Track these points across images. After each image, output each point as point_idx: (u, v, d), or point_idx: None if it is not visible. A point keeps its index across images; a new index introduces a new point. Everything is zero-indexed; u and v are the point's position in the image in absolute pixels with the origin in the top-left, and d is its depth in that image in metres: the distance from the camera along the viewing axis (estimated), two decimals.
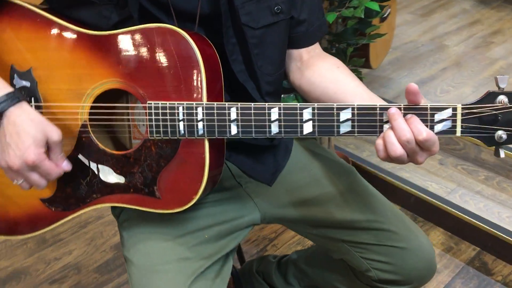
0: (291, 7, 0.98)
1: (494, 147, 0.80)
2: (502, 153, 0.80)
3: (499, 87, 0.78)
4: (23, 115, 0.82)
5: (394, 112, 0.77)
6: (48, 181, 0.86)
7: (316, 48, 1.05)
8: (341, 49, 1.73)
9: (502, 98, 0.77)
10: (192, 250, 0.93)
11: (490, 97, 0.77)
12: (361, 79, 1.74)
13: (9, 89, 0.84)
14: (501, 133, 0.77)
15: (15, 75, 0.92)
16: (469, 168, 2.11)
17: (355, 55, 2.15)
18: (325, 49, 1.70)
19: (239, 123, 0.85)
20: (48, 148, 0.85)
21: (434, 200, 1.96)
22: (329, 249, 1.11)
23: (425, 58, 2.72)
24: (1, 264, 1.88)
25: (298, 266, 1.24)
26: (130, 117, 0.97)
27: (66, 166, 0.87)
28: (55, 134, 0.84)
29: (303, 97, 1.04)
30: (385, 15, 2.15)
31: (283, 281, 1.27)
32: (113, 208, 1.05)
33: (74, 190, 0.94)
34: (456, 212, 1.90)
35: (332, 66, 1.00)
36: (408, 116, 0.77)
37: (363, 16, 1.47)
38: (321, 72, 1.00)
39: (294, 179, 1.06)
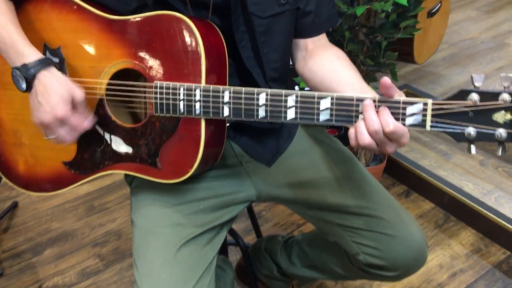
0: None
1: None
2: (473, 150, 0.82)
3: (474, 86, 0.80)
4: (52, 78, 0.95)
5: (367, 104, 0.81)
6: (74, 136, 0.97)
7: (321, 38, 1.10)
8: (376, 42, 1.75)
9: (474, 96, 0.79)
10: (187, 218, 1.03)
11: (461, 94, 0.79)
12: (395, 73, 1.75)
13: (41, 55, 0.97)
14: (470, 130, 0.79)
15: (47, 52, 1.05)
16: (510, 170, 2.05)
17: (398, 49, 2.14)
18: (360, 42, 1.73)
19: (231, 106, 0.92)
20: (73, 107, 0.97)
21: (467, 200, 1.93)
22: (324, 231, 1.17)
23: (482, 56, 2.64)
24: (53, 225, 2.08)
25: (301, 246, 1.30)
26: (146, 94, 1.07)
27: (89, 122, 0.98)
28: (79, 93, 0.96)
29: (306, 84, 1.10)
30: (433, 11, 2.12)
31: (287, 260, 1.34)
32: (125, 176, 1.16)
33: (90, 156, 1.06)
34: (489, 214, 1.87)
35: (332, 57, 1.05)
36: (380, 108, 0.81)
37: (389, 10, 1.48)
38: (321, 61, 1.05)
39: (293, 162, 1.12)
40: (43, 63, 0.95)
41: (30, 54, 0.96)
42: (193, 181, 1.07)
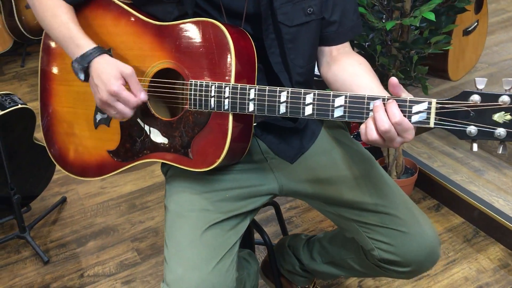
0: (322, 9, 1.14)
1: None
2: (475, 147, 0.88)
3: (476, 88, 0.87)
4: (102, 62, 1.08)
5: (378, 105, 0.90)
6: (131, 109, 1.07)
7: (346, 46, 1.19)
8: (408, 57, 1.81)
9: (475, 97, 0.86)
10: (214, 205, 1.13)
11: (464, 95, 0.86)
12: (425, 87, 1.81)
13: (94, 45, 1.10)
14: (471, 128, 0.86)
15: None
16: None
17: (432, 65, 2.20)
18: (393, 56, 1.80)
19: (256, 102, 1.03)
20: (125, 83, 1.07)
21: (497, 216, 1.94)
22: (342, 227, 1.24)
23: None
24: (97, 220, 2.23)
25: (322, 244, 1.38)
26: (183, 91, 1.19)
27: (143, 96, 1.07)
28: (126, 68, 1.07)
29: (329, 88, 1.19)
30: (469, 29, 2.16)
31: (309, 256, 1.41)
32: (162, 166, 1.28)
33: (131, 145, 1.18)
34: None
35: (354, 62, 1.14)
36: (389, 101, 0.89)
37: (417, 25, 1.55)
38: (344, 66, 1.14)
39: (314, 160, 1.21)
40: (96, 51, 1.09)
41: (85, 45, 1.10)
42: (221, 172, 1.17)
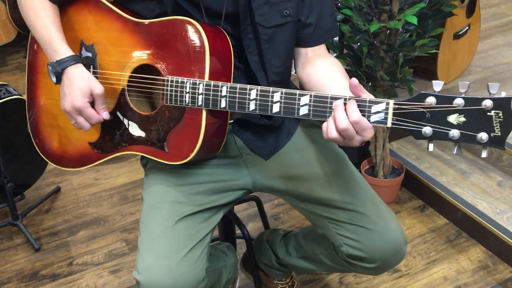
0: (298, 12, 1.17)
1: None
2: (431, 147, 0.92)
3: (433, 90, 0.90)
4: (76, 73, 1.13)
5: (338, 104, 0.93)
6: (91, 124, 1.15)
7: (321, 48, 1.23)
8: (395, 59, 1.84)
9: (431, 99, 0.89)
10: (187, 197, 1.17)
11: (420, 97, 0.90)
12: (411, 89, 1.84)
13: (71, 53, 1.15)
14: (427, 129, 0.89)
15: (83, 47, 1.24)
16: None
17: (422, 68, 2.22)
18: (380, 58, 1.83)
19: (227, 99, 1.06)
20: (93, 100, 1.14)
21: (479, 218, 1.97)
22: (314, 223, 1.28)
23: None
24: (89, 210, 2.29)
25: (297, 239, 1.41)
26: (160, 87, 1.23)
27: (105, 115, 1.15)
28: (98, 88, 1.13)
29: (304, 87, 1.22)
30: (459, 33, 2.18)
31: (285, 250, 1.45)
32: (141, 159, 1.32)
33: (111, 138, 1.23)
34: (499, 232, 1.90)
35: (327, 64, 1.17)
36: (349, 101, 0.93)
37: (399, 28, 1.58)
38: (317, 67, 1.17)
39: (288, 157, 1.24)
40: (71, 60, 1.13)
41: (62, 52, 1.14)
42: (197, 166, 1.22)
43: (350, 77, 1.89)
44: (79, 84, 1.12)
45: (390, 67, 1.88)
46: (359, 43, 1.84)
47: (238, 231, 1.58)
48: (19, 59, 3.71)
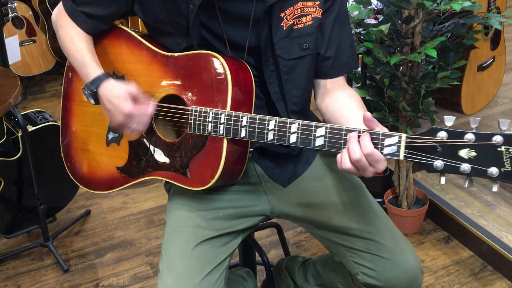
0: (318, 45, 1.22)
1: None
2: (442, 180, 0.94)
3: (446, 125, 0.93)
4: (108, 86, 1.19)
5: (352, 136, 0.97)
6: (145, 123, 1.18)
7: (340, 80, 1.27)
8: (417, 90, 1.87)
9: (442, 133, 0.91)
10: (207, 222, 1.21)
11: (432, 131, 0.92)
12: (433, 120, 1.86)
13: (101, 72, 1.21)
14: (438, 162, 0.92)
15: (114, 78, 1.31)
16: None
17: (446, 99, 2.24)
18: (402, 89, 1.86)
19: (247, 129, 1.11)
20: (134, 100, 1.17)
21: (504, 251, 1.94)
22: (331, 251, 1.30)
23: None
24: (117, 233, 2.35)
25: (316, 267, 1.43)
26: (184, 116, 1.28)
27: (151, 107, 1.17)
28: (131, 86, 1.18)
29: (323, 117, 1.26)
30: (484, 65, 2.19)
31: (303, 278, 1.47)
32: (165, 184, 1.38)
33: (137, 163, 1.29)
34: None
35: (346, 95, 1.21)
36: (363, 134, 0.96)
37: (419, 61, 1.61)
38: (336, 99, 1.22)
39: (306, 185, 1.28)
40: (101, 79, 1.20)
41: (93, 73, 1.21)
42: (218, 192, 1.26)
43: (372, 108, 1.94)
44: (115, 93, 1.17)
45: (413, 98, 1.90)
46: (381, 75, 1.88)
47: (258, 258, 1.61)
48: (57, 87, 3.88)
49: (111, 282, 2.07)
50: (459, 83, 1.79)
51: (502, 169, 0.88)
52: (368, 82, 2.00)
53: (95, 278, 2.10)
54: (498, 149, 0.88)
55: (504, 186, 2.28)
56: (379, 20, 1.90)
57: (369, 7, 1.90)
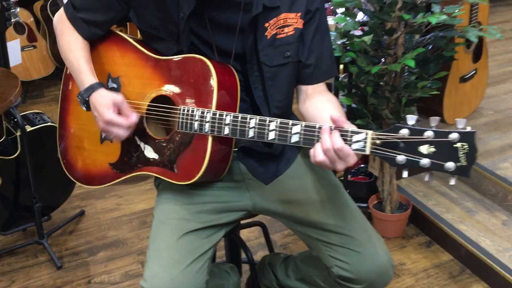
0: (299, 54, 1.31)
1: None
2: (405, 174, 1.02)
3: (407, 123, 1.02)
4: (98, 95, 1.28)
5: (324, 128, 1.06)
6: (126, 130, 1.26)
7: (320, 86, 1.36)
8: (399, 99, 1.96)
9: (405, 130, 1.00)
10: (192, 215, 1.30)
11: (395, 129, 1.01)
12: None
13: (94, 81, 1.31)
14: (400, 157, 1.00)
15: (109, 79, 1.40)
16: None
17: (428, 108, 2.33)
18: (385, 98, 1.95)
19: (230, 127, 1.20)
20: (118, 111, 1.27)
21: (482, 255, 2.02)
22: (309, 245, 1.38)
23: None
24: (110, 233, 2.43)
25: (296, 262, 1.51)
26: (173, 115, 1.36)
27: (134, 117, 1.27)
28: (117, 97, 1.27)
29: (304, 120, 1.35)
30: (465, 76, 2.29)
31: (284, 273, 1.54)
32: (155, 180, 1.46)
33: (128, 159, 1.37)
34: (501, 270, 1.94)
35: (324, 100, 1.30)
36: (333, 131, 1.05)
37: (398, 70, 1.70)
38: (315, 103, 1.31)
39: (287, 183, 1.36)
40: (93, 88, 1.29)
41: (87, 81, 1.31)
42: (204, 188, 1.34)
43: (357, 115, 2.02)
44: (101, 102, 1.27)
45: (395, 107, 1.99)
46: (364, 83, 1.97)
47: (245, 257, 1.68)
48: (55, 92, 3.97)
49: (103, 279, 2.14)
50: (439, 92, 1.88)
51: (457, 164, 0.97)
52: (353, 90, 2.09)
53: (87, 275, 2.17)
54: (454, 145, 0.97)
55: (484, 194, 2.36)
56: (365, 31, 2.00)
57: (356, 19, 2.00)
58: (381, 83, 1.98)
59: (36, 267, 2.22)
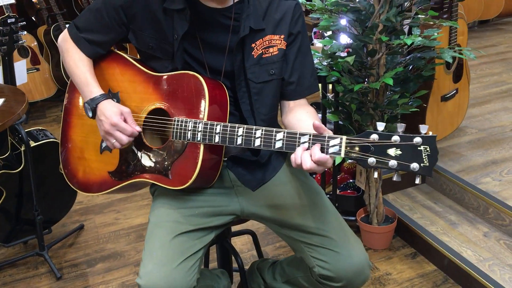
0: (282, 72, 1.44)
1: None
2: (375, 174, 1.14)
3: (377, 130, 1.13)
4: (107, 104, 1.40)
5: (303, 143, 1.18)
6: (127, 137, 1.37)
7: (301, 100, 1.48)
8: (381, 115, 2.08)
9: (375, 135, 1.12)
10: (185, 218, 1.40)
11: (366, 134, 1.13)
12: None
13: (103, 92, 1.44)
14: (371, 159, 1.12)
15: (110, 94, 1.52)
16: (511, 244, 2.20)
17: (411, 125, 2.44)
18: (369, 115, 2.08)
19: (220, 135, 1.32)
20: (124, 119, 1.38)
21: (463, 265, 2.11)
22: (293, 247, 1.48)
23: (507, 142, 2.84)
24: (108, 246, 2.52)
25: (282, 265, 1.61)
26: (168, 126, 1.48)
27: (137, 128, 1.39)
28: (125, 109, 1.40)
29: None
30: (447, 96, 2.42)
31: (272, 277, 1.64)
32: (151, 187, 1.57)
33: (126, 167, 1.48)
34: (481, 279, 2.03)
35: (304, 111, 1.43)
36: (315, 144, 1.16)
37: (378, 88, 1.83)
38: (295, 115, 1.43)
39: (273, 189, 1.47)
40: (102, 97, 1.42)
41: (95, 92, 1.43)
42: (196, 193, 1.45)
43: (343, 131, 2.14)
44: (111, 109, 1.39)
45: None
46: (349, 101, 2.09)
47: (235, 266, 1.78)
48: (57, 113, 4.10)
49: None
50: (418, 109, 2.00)
51: (421, 164, 1.08)
52: (340, 108, 2.21)
53: (86, 285, 2.26)
54: (418, 148, 1.09)
55: (467, 207, 2.47)
56: (349, 53, 2.13)
57: (342, 42, 2.13)
58: (365, 101, 2.11)
59: (37, 278, 2.30)
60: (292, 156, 1.19)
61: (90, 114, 1.44)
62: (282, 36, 1.42)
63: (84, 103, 1.45)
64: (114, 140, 1.40)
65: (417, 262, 2.29)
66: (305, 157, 1.16)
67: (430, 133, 1.09)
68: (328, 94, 2.50)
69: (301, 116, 1.41)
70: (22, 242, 2.42)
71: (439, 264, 2.24)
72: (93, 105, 1.42)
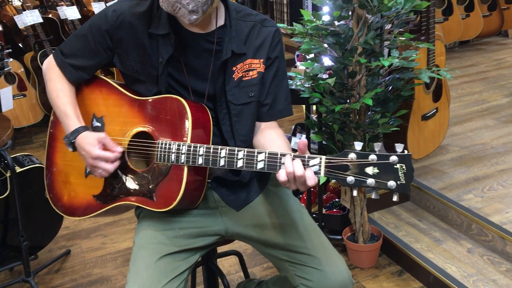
0: (260, 94, 1.48)
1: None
2: (354, 193, 1.17)
3: (355, 149, 1.17)
4: (83, 137, 1.42)
5: (287, 156, 1.20)
6: (112, 164, 1.39)
7: (273, 123, 1.52)
8: (363, 135, 2.13)
9: (352, 155, 1.15)
10: (169, 239, 1.41)
11: (344, 153, 1.16)
12: None
13: (78, 125, 1.45)
14: (350, 178, 1.15)
15: (94, 119, 1.55)
16: (494, 259, 2.24)
17: (392, 144, 2.49)
18: (351, 134, 2.12)
19: (203, 157, 1.34)
20: (103, 147, 1.40)
21: (448, 281, 2.13)
22: (277, 266, 1.50)
23: (488, 159, 2.90)
24: (94, 271, 2.50)
25: (268, 285, 1.63)
26: (152, 149, 1.50)
27: (118, 149, 1.41)
28: (100, 134, 1.41)
29: None
30: (427, 115, 2.47)
31: None
32: (135, 210, 1.58)
33: (111, 191, 1.50)
34: None
35: (274, 133, 1.47)
36: (295, 159, 1.19)
37: (358, 108, 1.87)
38: (265, 135, 1.48)
39: (256, 209, 1.49)
40: (79, 131, 1.44)
41: (73, 125, 1.45)
42: (180, 215, 1.47)
43: (327, 151, 2.18)
44: (86, 142, 1.41)
45: (361, 141, 2.15)
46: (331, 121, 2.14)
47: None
48: (44, 138, 4.10)
49: None
50: (399, 128, 2.05)
51: (398, 182, 1.12)
52: (323, 128, 2.26)
53: None
54: (395, 166, 1.12)
55: (451, 224, 2.50)
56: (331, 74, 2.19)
57: (323, 64, 2.19)
58: (347, 121, 2.15)
59: None
60: (278, 173, 1.21)
61: (71, 149, 1.46)
62: (262, 60, 1.46)
63: (63, 139, 1.48)
64: (101, 171, 1.42)
65: (403, 279, 2.31)
66: (297, 164, 1.18)
67: (406, 152, 1.13)
68: (311, 115, 2.55)
69: (271, 137, 1.45)
70: (8, 268, 2.40)
71: (425, 281, 2.26)
72: (71, 140, 1.44)
